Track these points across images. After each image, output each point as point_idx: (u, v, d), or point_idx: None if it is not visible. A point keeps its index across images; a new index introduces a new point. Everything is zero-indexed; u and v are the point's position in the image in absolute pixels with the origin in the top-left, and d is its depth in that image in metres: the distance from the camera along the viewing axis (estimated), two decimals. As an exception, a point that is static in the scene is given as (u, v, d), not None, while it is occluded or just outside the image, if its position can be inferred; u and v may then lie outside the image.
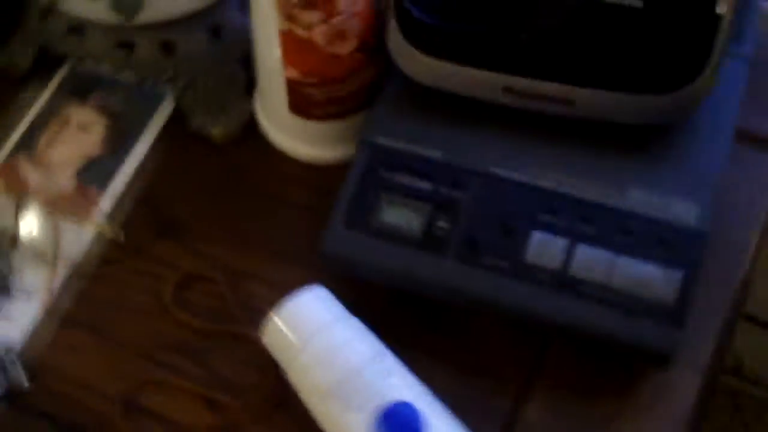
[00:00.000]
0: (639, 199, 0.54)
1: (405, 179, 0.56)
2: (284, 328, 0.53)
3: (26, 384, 0.58)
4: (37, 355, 0.59)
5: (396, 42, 0.56)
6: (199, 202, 0.64)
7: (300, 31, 0.56)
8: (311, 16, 0.55)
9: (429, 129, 0.57)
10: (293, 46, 0.57)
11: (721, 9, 0.51)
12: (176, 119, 0.67)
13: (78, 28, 0.67)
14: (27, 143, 0.68)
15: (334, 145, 0.62)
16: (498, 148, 0.57)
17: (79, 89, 0.69)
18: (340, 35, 0.56)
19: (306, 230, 0.60)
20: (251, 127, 0.66)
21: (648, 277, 0.52)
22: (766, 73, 0.63)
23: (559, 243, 0.53)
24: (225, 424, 0.55)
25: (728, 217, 0.58)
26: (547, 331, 0.56)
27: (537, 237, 0.54)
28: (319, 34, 0.56)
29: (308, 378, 0.52)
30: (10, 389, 0.58)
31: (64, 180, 0.66)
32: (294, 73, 0.58)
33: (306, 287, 0.54)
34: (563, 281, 0.53)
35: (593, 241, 0.53)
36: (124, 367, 0.58)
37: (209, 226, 0.63)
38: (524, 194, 0.55)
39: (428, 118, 0.58)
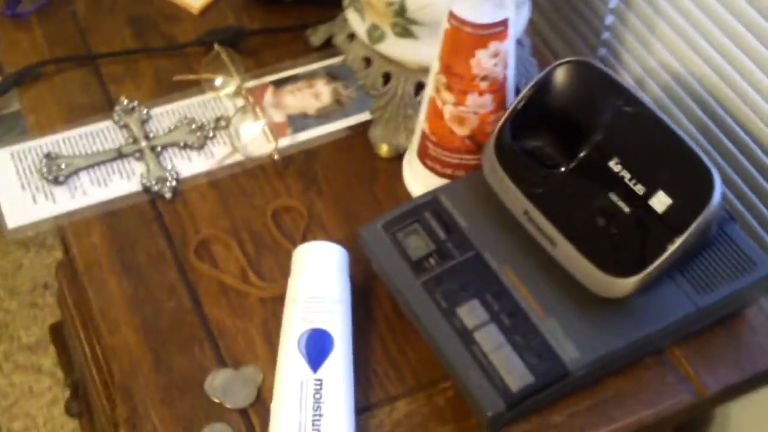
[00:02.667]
0: (551, 328, 0.76)
1: (434, 223, 0.81)
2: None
3: (168, 196, 0.90)
4: (180, 187, 0.91)
5: (489, 152, 0.81)
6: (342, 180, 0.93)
7: (438, 102, 0.83)
8: (447, 97, 0.82)
9: (473, 208, 0.82)
10: (432, 108, 0.84)
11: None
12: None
13: (352, 34, 0.98)
14: (278, 83, 1.00)
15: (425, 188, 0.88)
16: (500, 246, 0.80)
17: (333, 74, 1.00)
18: (459, 120, 0.82)
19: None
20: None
21: (514, 367, 0.74)
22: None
23: (482, 315, 0.76)
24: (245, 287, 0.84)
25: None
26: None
27: (474, 303, 0.77)
28: (447, 111, 0.83)
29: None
30: (156, 195, 0.90)
31: (280, 115, 0.97)
32: (426, 126, 0.85)
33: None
34: (467, 336, 0.75)
35: (502, 328, 0.75)
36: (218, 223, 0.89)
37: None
38: (490, 278, 0.78)
39: (480, 203, 0.82)
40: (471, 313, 0.76)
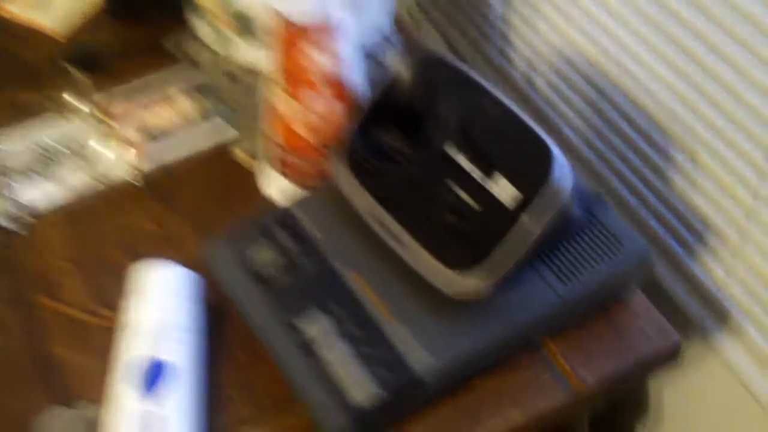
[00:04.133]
0: (401, 335, 0.70)
1: (281, 235, 0.76)
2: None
3: (15, 231, 0.84)
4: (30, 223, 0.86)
5: (335, 156, 0.76)
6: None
7: (277, 105, 0.77)
8: (285, 100, 0.77)
9: (323, 216, 0.76)
10: (272, 112, 0.78)
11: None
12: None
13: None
14: (131, 96, 0.95)
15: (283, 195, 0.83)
16: (350, 253, 0.75)
17: (192, 84, 0.95)
18: (305, 125, 0.77)
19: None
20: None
21: (360, 380, 0.68)
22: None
23: (325, 325, 0.71)
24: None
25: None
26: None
27: (317, 313, 0.72)
28: (290, 116, 0.77)
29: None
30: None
31: (135, 131, 0.92)
32: (271, 132, 0.80)
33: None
34: (308, 349, 0.70)
35: (348, 338, 0.70)
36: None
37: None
38: (336, 285, 0.73)
39: (330, 211, 0.77)
40: (313, 323, 0.71)
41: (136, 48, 1.00)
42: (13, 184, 0.87)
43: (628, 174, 0.92)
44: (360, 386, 0.68)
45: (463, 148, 0.70)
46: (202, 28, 0.88)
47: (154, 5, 0.99)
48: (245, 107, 0.88)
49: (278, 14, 0.73)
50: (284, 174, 0.82)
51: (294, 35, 0.73)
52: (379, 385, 0.68)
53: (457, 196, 0.69)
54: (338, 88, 0.76)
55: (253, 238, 0.76)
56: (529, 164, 0.68)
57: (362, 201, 0.74)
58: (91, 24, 1.02)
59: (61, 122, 0.92)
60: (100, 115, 0.91)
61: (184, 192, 0.87)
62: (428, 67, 0.75)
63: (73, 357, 0.77)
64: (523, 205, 0.67)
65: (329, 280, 0.73)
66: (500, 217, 0.67)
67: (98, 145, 0.90)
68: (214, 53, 0.87)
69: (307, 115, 0.76)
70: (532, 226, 0.67)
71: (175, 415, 0.69)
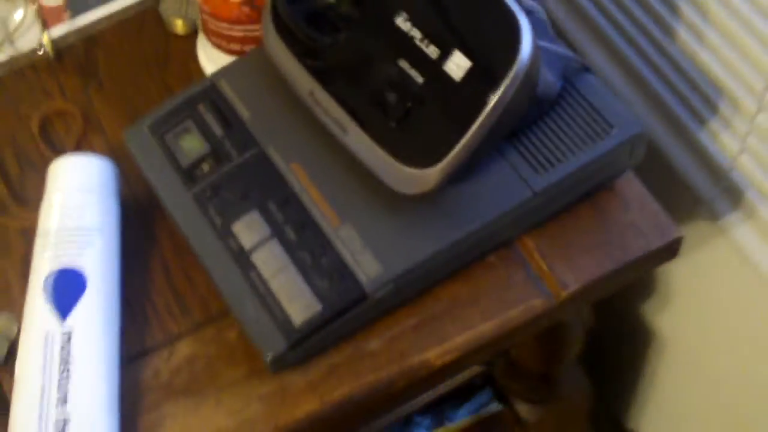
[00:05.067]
0: (346, 238, 0.60)
1: (210, 118, 0.65)
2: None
3: None
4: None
5: (266, 21, 0.64)
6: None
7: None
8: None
9: (257, 94, 0.65)
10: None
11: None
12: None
13: None
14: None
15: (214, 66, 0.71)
16: (288, 139, 0.63)
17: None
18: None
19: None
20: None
21: (298, 294, 0.58)
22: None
23: (262, 230, 0.60)
24: None
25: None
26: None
27: (254, 215, 0.61)
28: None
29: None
30: None
31: None
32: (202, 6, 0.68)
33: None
34: (243, 258, 0.60)
35: (287, 244, 0.60)
36: None
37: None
38: (273, 181, 0.62)
39: (265, 88, 0.65)
40: (249, 228, 0.61)
41: None
42: None
43: (629, 28, 0.79)
44: (299, 301, 0.58)
45: (416, 20, 0.58)
46: None
47: None
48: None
49: None
50: (215, 44, 0.70)
51: None
52: (320, 299, 0.58)
53: (406, 74, 0.57)
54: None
55: (176, 119, 0.65)
56: (492, 36, 0.56)
57: (298, 76, 0.62)
58: None
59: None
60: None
61: (107, 63, 0.76)
62: None
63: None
64: (481, 81, 0.55)
65: (264, 172, 0.63)
66: (455, 96, 0.56)
67: (8, 9, 0.78)
68: None
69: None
70: (492, 104, 0.55)
71: (88, 334, 0.60)
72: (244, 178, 0.63)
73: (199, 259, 0.62)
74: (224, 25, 0.68)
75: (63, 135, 0.73)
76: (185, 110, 0.66)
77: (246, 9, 0.66)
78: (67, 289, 0.62)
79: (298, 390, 0.61)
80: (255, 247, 0.60)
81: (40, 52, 0.76)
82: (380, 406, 0.63)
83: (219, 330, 0.64)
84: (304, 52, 0.62)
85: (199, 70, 0.74)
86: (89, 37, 0.77)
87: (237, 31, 0.68)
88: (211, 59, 0.72)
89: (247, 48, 0.69)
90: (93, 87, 0.75)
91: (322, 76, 0.61)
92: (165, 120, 0.65)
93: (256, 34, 0.68)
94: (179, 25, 0.76)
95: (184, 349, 0.63)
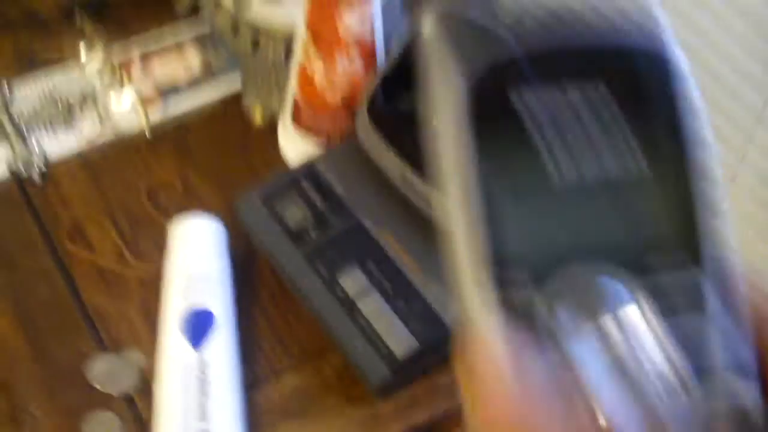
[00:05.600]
0: (433, 290, 0.75)
1: (312, 193, 0.80)
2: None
3: (35, 181, 0.86)
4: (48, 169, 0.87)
5: (362, 117, 0.80)
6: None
7: (307, 68, 0.81)
8: (316, 63, 0.80)
9: (350, 175, 0.81)
10: (302, 74, 0.82)
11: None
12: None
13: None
14: (144, 46, 0.96)
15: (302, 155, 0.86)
16: (379, 212, 0.79)
17: (201, 36, 0.98)
18: (330, 85, 0.81)
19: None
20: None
21: (398, 333, 0.73)
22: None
23: (364, 282, 0.76)
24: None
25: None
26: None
27: (356, 271, 0.76)
28: (317, 77, 0.81)
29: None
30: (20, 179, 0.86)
31: (148, 82, 0.94)
32: (297, 93, 0.84)
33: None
34: (349, 305, 0.75)
35: (385, 294, 0.75)
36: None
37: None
38: (371, 245, 0.77)
39: (357, 170, 0.81)
40: (353, 281, 0.76)
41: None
42: (28, 133, 0.89)
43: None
44: (400, 339, 0.73)
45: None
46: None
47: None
48: (260, 63, 0.91)
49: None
50: (304, 132, 0.86)
51: (333, 2, 0.76)
52: (415, 336, 0.73)
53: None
54: (365, 46, 0.79)
55: (283, 192, 0.80)
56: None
57: (391, 163, 0.78)
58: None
59: (73, 72, 0.94)
60: (113, 66, 0.93)
61: (198, 145, 0.90)
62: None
63: (110, 306, 0.80)
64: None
65: (361, 238, 0.78)
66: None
67: (111, 96, 0.92)
68: (230, 8, 0.90)
69: (334, 73, 0.80)
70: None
71: (220, 362, 0.73)
72: (345, 242, 0.78)
73: (310, 305, 0.76)
74: (319, 118, 0.84)
75: (167, 202, 0.86)
76: (291, 186, 0.81)
77: (341, 106, 0.82)
78: (198, 325, 0.75)
79: (387, 415, 0.76)
80: (358, 296, 0.75)
81: (145, 133, 0.90)
82: (453, 428, 0.77)
83: (316, 366, 0.78)
84: (396, 142, 0.78)
85: (279, 156, 0.89)
86: (181, 123, 0.92)
87: (328, 124, 0.84)
88: (294, 146, 0.88)
89: (335, 138, 0.84)
90: (188, 164, 0.89)
91: (414, 161, 0.77)
92: (274, 193, 0.80)
93: (344, 126, 0.84)
94: (258, 116, 0.91)
95: (289, 380, 0.77)
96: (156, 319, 0.77)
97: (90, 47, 0.94)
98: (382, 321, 0.74)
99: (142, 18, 0.99)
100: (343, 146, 0.83)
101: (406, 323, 0.74)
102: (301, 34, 0.80)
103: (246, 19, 0.90)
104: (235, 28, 0.93)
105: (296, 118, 0.86)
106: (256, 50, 0.92)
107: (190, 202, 0.86)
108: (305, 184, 0.81)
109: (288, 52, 0.90)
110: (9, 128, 0.89)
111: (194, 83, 0.94)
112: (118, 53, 0.95)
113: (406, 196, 0.78)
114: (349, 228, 0.79)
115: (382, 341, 0.73)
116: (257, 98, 0.92)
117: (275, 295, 0.81)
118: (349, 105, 0.82)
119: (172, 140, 0.90)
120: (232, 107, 0.93)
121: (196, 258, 0.78)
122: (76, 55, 0.94)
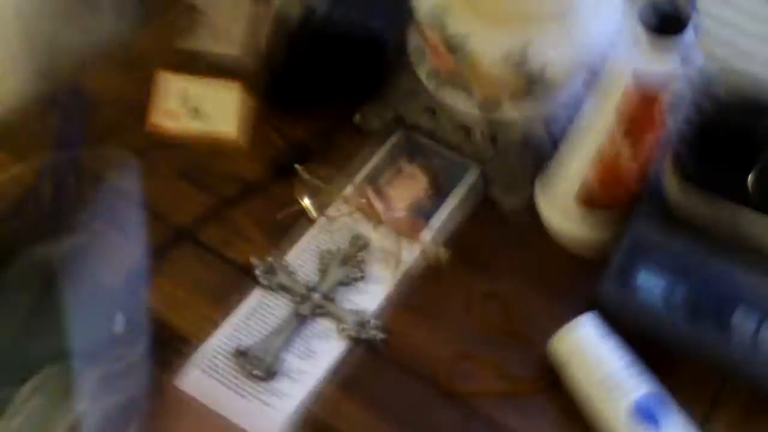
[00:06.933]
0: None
1: (657, 262, 0.88)
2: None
3: (380, 337, 0.88)
4: (383, 322, 0.89)
5: (668, 176, 0.89)
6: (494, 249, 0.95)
7: (614, 155, 0.88)
8: (626, 151, 0.87)
9: (675, 235, 0.89)
10: (605, 160, 0.89)
11: None
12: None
13: (431, 109, 0.99)
14: (371, 180, 0.98)
15: (602, 229, 0.94)
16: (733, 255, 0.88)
17: (409, 150, 1.01)
18: (634, 163, 0.89)
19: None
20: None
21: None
22: None
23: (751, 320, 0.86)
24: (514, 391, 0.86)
25: None
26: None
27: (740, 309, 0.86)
28: (623, 162, 0.88)
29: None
30: (368, 342, 0.87)
31: (399, 211, 0.97)
32: (593, 176, 0.91)
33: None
34: (755, 343, 0.85)
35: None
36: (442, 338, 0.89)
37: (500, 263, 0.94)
38: (740, 287, 0.87)
39: (674, 229, 0.90)
40: (742, 321, 0.85)
41: (332, 132, 1.02)
42: (336, 296, 0.90)
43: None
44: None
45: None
46: (452, 96, 0.95)
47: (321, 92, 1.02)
48: (495, 156, 0.96)
49: (632, 73, 0.83)
50: (598, 210, 0.93)
51: (648, 93, 0.84)
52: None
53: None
54: (665, 128, 0.88)
55: (635, 271, 0.88)
56: None
57: (721, 211, 0.88)
58: (261, 124, 1.02)
59: (327, 226, 0.94)
60: (360, 207, 0.95)
61: (485, 255, 0.95)
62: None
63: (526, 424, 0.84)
64: None
65: (723, 284, 0.87)
66: None
67: (378, 235, 0.94)
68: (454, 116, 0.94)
69: (642, 150, 0.88)
70: None
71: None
72: (713, 290, 0.87)
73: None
74: (617, 194, 0.91)
75: (497, 317, 0.91)
76: (636, 262, 0.89)
77: (635, 176, 0.91)
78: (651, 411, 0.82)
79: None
80: (756, 332, 0.85)
81: (441, 256, 0.93)
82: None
83: None
84: (723, 191, 0.88)
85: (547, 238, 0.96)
86: (453, 233, 0.96)
87: (625, 196, 0.92)
88: (579, 226, 0.95)
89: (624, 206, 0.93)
90: (488, 277, 0.93)
91: (747, 200, 0.87)
92: (620, 273, 0.88)
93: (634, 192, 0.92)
94: (514, 205, 0.98)
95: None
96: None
97: (318, 198, 0.94)
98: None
99: (342, 154, 1.00)
100: (645, 218, 0.90)
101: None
102: (603, 125, 0.87)
103: (493, 119, 0.94)
104: (464, 128, 0.97)
105: (587, 198, 0.93)
106: (494, 146, 0.97)
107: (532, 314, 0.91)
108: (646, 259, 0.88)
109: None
110: (319, 298, 0.89)
111: (435, 193, 0.98)
112: (353, 194, 0.96)
113: (743, 236, 0.88)
114: (713, 276, 0.88)
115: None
116: (508, 189, 0.97)
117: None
118: (644, 173, 0.91)
119: (460, 251, 0.94)
120: (484, 205, 0.98)
121: (608, 355, 0.85)
122: (313, 206, 0.95)
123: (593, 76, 0.91)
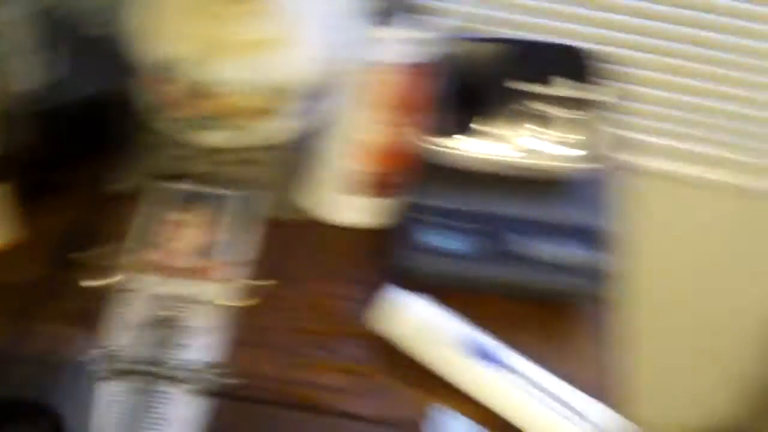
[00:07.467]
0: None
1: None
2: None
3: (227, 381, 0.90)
4: (224, 366, 0.91)
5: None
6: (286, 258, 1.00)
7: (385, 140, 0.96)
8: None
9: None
10: (372, 148, 0.96)
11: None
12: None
13: (182, 155, 1.01)
14: (149, 239, 0.99)
15: (382, 210, 1.01)
16: (492, 202, 0.99)
17: (178, 199, 1.03)
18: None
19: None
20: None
21: (572, 254, 0.97)
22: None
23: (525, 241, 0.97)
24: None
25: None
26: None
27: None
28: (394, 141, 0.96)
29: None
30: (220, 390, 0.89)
31: (189, 259, 0.99)
32: (362, 165, 0.98)
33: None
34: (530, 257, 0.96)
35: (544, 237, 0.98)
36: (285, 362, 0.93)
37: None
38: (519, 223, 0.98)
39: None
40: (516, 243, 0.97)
41: (95, 206, 1.02)
42: (167, 361, 0.91)
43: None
44: (576, 256, 0.97)
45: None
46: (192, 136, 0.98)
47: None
48: (273, 177, 1.02)
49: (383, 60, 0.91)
50: (372, 193, 1.01)
51: (393, 78, 0.93)
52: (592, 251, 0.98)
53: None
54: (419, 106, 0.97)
55: (417, 229, 0.97)
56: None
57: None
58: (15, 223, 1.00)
59: (128, 298, 0.94)
60: (150, 267, 0.96)
61: (292, 265, 1.00)
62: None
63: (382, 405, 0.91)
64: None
65: (508, 225, 0.98)
66: None
67: (182, 287, 0.96)
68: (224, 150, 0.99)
69: (404, 133, 0.97)
70: None
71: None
72: (495, 234, 0.98)
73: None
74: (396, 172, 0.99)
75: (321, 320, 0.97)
76: (419, 224, 0.97)
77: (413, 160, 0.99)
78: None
79: None
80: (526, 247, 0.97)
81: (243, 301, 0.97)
82: None
83: None
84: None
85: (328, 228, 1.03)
86: (254, 262, 1.00)
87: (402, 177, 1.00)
88: (357, 209, 1.02)
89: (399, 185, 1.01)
90: (296, 289, 0.99)
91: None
92: (407, 239, 0.97)
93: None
94: (298, 214, 1.03)
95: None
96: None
97: (107, 275, 0.95)
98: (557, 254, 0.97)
99: (115, 222, 1.00)
100: (421, 177, 1.00)
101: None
102: (358, 120, 0.94)
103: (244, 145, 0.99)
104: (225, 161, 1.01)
105: (355, 186, 1.00)
106: (258, 168, 1.02)
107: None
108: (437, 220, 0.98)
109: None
110: (158, 370, 0.89)
111: (222, 234, 1.01)
112: (135, 261, 0.96)
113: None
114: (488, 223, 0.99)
115: (564, 263, 0.97)
116: (282, 202, 1.03)
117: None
118: (405, 150, 0.99)
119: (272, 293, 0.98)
120: (274, 226, 1.02)
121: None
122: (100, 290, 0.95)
123: (338, 78, 0.98)
